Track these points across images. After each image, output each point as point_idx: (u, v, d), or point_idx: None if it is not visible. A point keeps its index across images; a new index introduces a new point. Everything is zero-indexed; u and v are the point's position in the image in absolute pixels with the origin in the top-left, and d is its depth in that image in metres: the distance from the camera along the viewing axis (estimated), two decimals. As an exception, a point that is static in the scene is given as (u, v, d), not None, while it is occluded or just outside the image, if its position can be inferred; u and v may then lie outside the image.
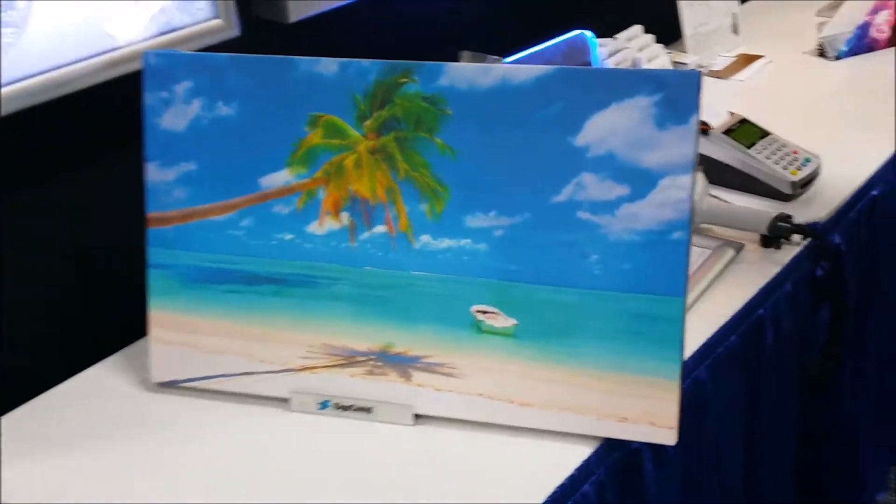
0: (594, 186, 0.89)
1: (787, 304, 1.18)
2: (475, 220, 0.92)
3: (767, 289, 1.15)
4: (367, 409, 0.97)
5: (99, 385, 1.06)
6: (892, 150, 1.42)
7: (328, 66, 0.94)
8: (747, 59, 1.73)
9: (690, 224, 0.88)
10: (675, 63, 1.64)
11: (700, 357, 1.05)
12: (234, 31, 1.15)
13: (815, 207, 1.29)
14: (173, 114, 0.98)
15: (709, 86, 1.61)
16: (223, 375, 1.01)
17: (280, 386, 0.99)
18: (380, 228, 0.95)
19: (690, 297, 1.12)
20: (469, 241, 0.93)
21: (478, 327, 0.94)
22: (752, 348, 1.14)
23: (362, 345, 0.97)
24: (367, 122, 0.94)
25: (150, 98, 0.98)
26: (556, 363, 0.92)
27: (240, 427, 0.98)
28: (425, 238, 0.94)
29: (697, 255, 1.18)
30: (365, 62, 0.93)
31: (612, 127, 0.88)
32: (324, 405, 0.98)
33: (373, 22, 1.33)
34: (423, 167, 0.93)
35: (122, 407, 1.02)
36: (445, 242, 0.94)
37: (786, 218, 1.19)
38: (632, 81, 0.87)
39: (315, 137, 0.95)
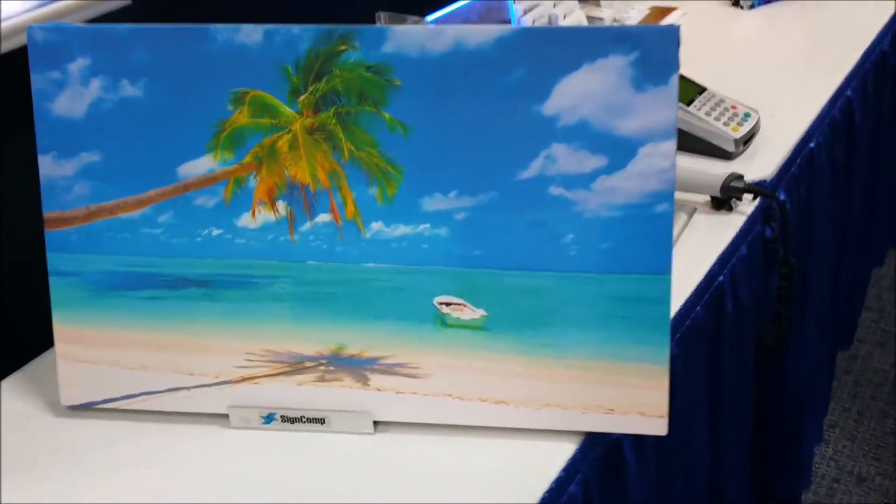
0: (566, 159, 0.80)
1: (743, 269, 1.12)
2: (433, 203, 0.82)
3: (725, 254, 1.09)
4: (320, 420, 0.86)
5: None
6: (825, 99, 1.37)
7: (251, 34, 0.81)
8: (661, 12, 1.67)
9: (673, 194, 0.79)
10: (591, 18, 1.56)
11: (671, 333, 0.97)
12: (125, -1, 1.01)
13: (758, 164, 1.23)
14: (68, 97, 0.84)
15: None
16: (147, 393, 0.88)
17: (216, 401, 0.87)
18: (323, 217, 0.84)
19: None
20: (427, 225, 0.82)
21: (442, 321, 0.84)
22: (714, 318, 1.07)
23: (310, 349, 0.86)
24: (302, 98, 0.82)
25: (38, 80, 0.84)
26: (531, 355, 0.83)
27: (172, 451, 0.86)
28: (377, 226, 0.83)
29: (648, 222, 1.10)
30: (295, 28, 0.81)
31: (583, 91, 0.78)
32: (268, 419, 0.87)
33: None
34: (371, 146, 0.82)
35: (29, 436, 0.88)
36: (400, 229, 0.83)
37: (738, 178, 1.12)
38: (604, 40, 0.78)
39: (241, 117, 0.83)
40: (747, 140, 1.24)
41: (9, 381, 0.96)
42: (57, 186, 0.86)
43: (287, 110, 0.82)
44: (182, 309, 0.87)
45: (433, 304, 0.84)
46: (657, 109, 0.78)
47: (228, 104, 0.83)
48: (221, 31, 0.81)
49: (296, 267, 0.85)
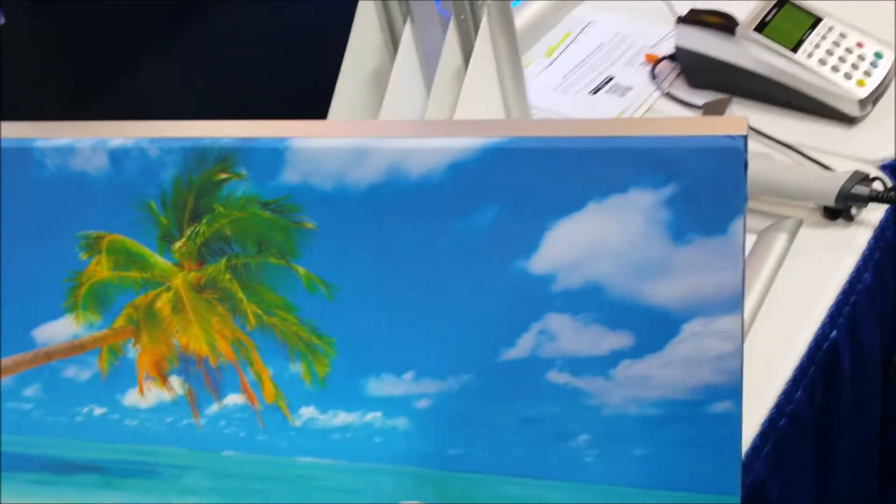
0: (570, 335, 0.52)
1: (867, 303, 0.82)
2: (382, 386, 0.56)
3: (842, 295, 0.79)
4: None
5: None
6: None
7: (90, 158, 0.54)
8: None
9: (741, 389, 0.51)
10: None
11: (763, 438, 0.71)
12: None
13: (886, 128, 0.90)
14: None
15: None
16: (59, 584, 0.68)
17: None
18: (234, 398, 0.59)
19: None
20: (377, 414, 0.57)
21: (413, 532, 0.60)
22: (824, 387, 0.79)
23: (246, 552, 0.63)
24: (178, 244, 0.55)
25: None
26: (542, 579, 0.58)
27: None
28: (308, 411, 0.58)
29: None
30: (152, 147, 0.53)
31: (590, 242, 0.49)
32: None
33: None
34: (285, 310, 0.55)
35: None
36: (341, 417, 0.57)
37: (864, 180, 0.80)
38: (615, 164, 0.47)
39: (100, 269, 0.57)
40: (877, 98, 0.90)
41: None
42: None
43: (160, 261, 0.56)
44: (78, 496, 0.65)
45: (399, 512, 0.59)
46: (709, 269, 0.48)
47: (80, 252, 0.57)
48: (50, 154, 0.54)
49: (208, 457, 0.61)
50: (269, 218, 0.53)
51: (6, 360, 0.61)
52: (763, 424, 0.72)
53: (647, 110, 0.96)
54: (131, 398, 0.61)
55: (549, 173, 0.48)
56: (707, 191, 0.47)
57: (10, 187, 0.56)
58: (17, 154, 0.55)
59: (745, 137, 0.46)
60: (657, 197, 0.47)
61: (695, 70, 0.96)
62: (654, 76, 0.99)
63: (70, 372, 0.61)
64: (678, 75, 0.98)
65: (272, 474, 0.60)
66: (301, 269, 0.54)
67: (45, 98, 0.83)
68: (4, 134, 0.55)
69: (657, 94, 0.97)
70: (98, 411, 0.61)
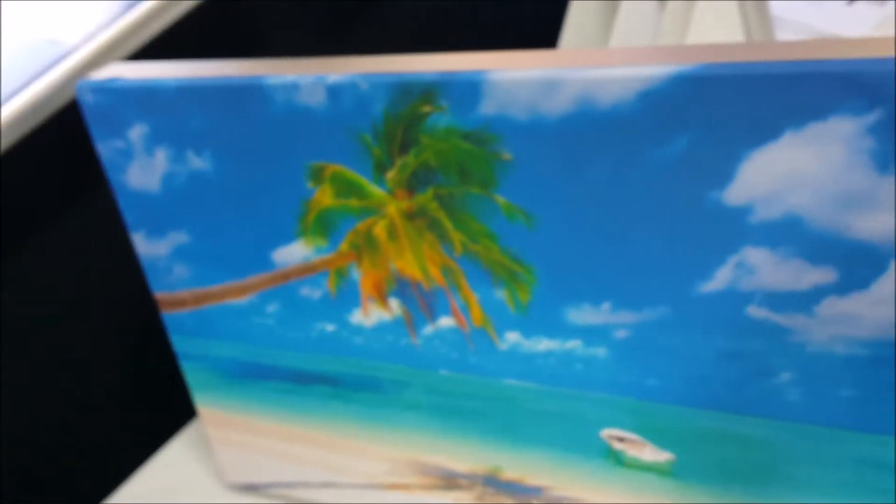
0: (769, 269, 0.50)
1: None
2: (581, 315, 0.57)
3: None
4: (487, 544, 0.68)
5: (172, 482, 0.84)
6: None
7: (312, 92, 0.58)
8: None
9: (960, 330, 0.47)
10: None
11: None
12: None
13: None
14: (139, 168, 0.67)
15: None
16: (302, 484, 0.75)
17: (373, 501, 0.73)
18: (446, 321, 0.62)
19: None
20: (578, 342, 0.58)
21: (616, 458, 0.60)
22: None
23: (462, 466, 0.67)
24: (390, 174, 0.58)
25: (104, 150, 0.67)
26: (745, 512, 0.58)
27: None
28: (513, 336, 0.60)
29: None
30: (363, 83, 0.56)
31: (788, 172, 0.47)
32: (432, 530, 0.71)
33: None
34: (488, 238, 0.57)
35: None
36: (544, 343, 0.59)
37: None
38: (816, 90, 0.45)
39: (324, 197, 0.61)
40: None
41: (169, 451, 0.87)
42: (158, 267, 0.71)
43: (376, 190, 0.59)
44: (314, 405, 0.71)
45: (600, 437, 0.60)
46: (919, 204, 0.45)
47: (307, 181, 0.61)
48: (279, 90, 0.59)
49: (426, 374, 0.65)
50: (470, 149, 0.55)
51: (251, 279, 0.68)
52: None
53: (914, 24, 0.88)
54: (357, 317, 0.65)
55: (741, 101, 0.46)
56: (914, 117, 0.43)
57: (247, 122, 0.61)
58: (249, 91, 0.60)
59: (960, 58, 0.42)
60: (860, 124, 0.44)
61: (974, -23, 0.87)
62: (926, -14, 0.90)
63: (304, 291, 0.66)
64: (955, -16, 0.89)
65: (484, 394, 0.63)
66: (501, 199, 0.55)
67: (296, 35, 0.88)
68: (238, 72, 0.60)
69: (928, 5, 0.89)
70: (329, 328, 0.66)
